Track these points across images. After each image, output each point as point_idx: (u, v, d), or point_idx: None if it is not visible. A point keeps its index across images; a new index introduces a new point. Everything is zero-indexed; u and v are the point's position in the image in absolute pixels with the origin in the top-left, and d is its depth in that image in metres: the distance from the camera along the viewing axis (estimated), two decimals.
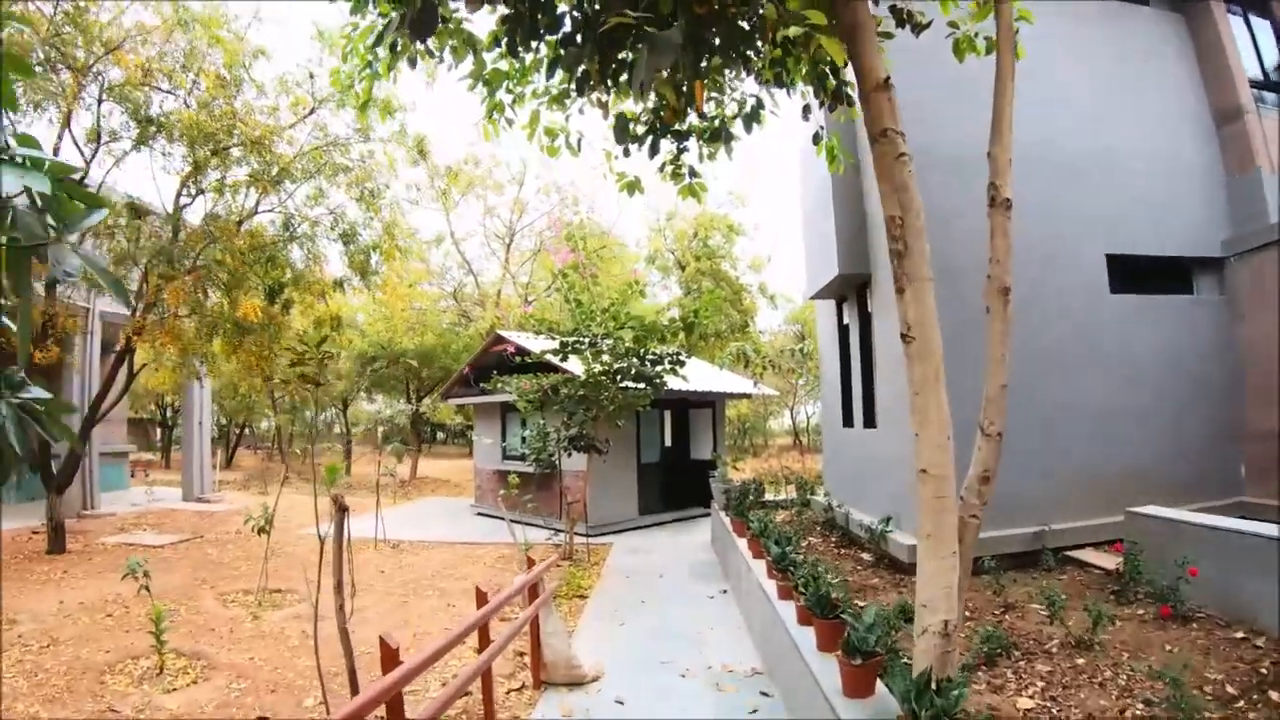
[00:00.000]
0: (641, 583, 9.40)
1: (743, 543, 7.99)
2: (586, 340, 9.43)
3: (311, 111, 12.47)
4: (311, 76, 12.15)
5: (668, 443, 16.22)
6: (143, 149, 11.47)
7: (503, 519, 14.07)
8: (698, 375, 16.39)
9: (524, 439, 11.48)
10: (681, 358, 10.30)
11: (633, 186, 5.83)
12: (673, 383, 13.04)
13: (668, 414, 16.19)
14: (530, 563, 5.47)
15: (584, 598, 8.72)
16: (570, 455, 10.91)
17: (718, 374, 18.11)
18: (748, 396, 17.45)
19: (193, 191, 12.39)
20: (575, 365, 10.38)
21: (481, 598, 3.96)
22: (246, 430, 36.31)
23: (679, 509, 15.01)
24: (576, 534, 11.89)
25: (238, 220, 12.50)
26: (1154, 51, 9.08)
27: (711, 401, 15.91)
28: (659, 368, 10.34)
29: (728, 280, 20.82)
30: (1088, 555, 7.55)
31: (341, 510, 4.47)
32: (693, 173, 5.85)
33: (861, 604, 6.20)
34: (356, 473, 30.37)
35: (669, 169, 5.83)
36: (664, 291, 22.29)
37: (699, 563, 10.47)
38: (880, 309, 8.23)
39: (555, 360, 9.77)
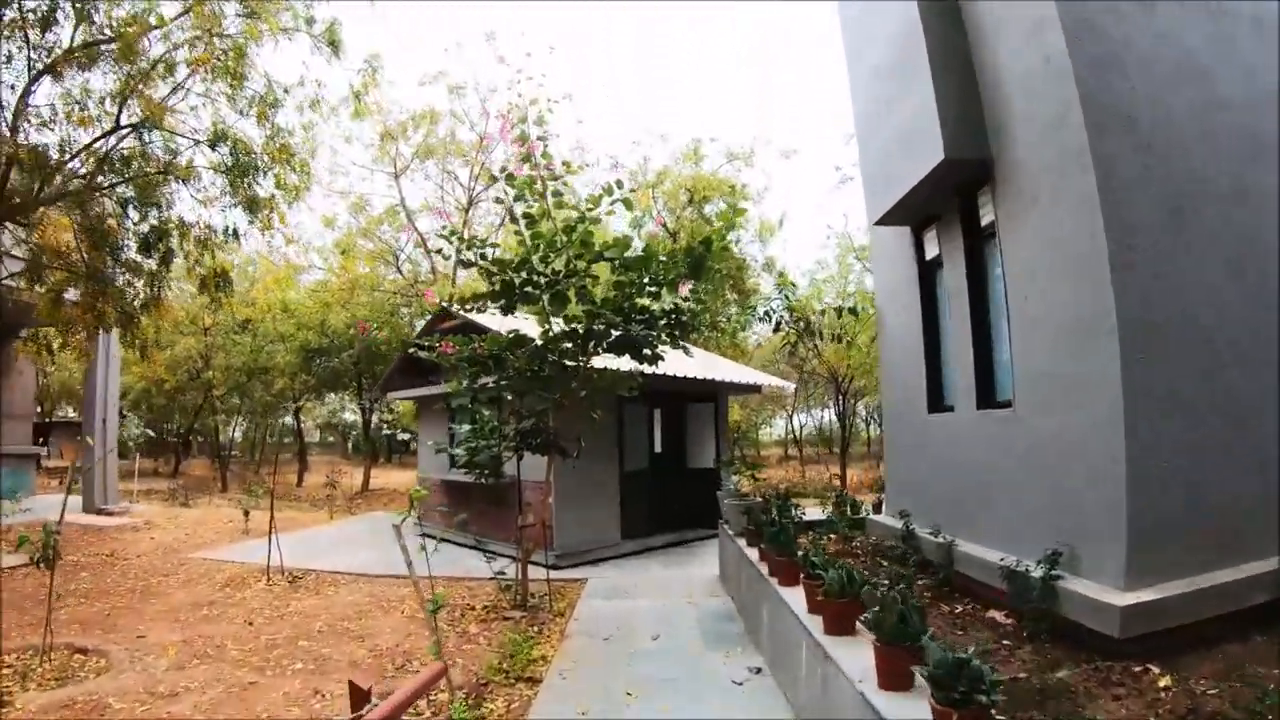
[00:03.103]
0: (625, 652, 6.13)
1: (791, 596, 4.79)
2: (543, 280, 6.18)
3: None
4: None
5: (658, 447, 12.96)
6: None
7: (451, 542, 10.77)
8: (695, 361, 13.21)
9: (471, 432, 8.17)
10: (684, 316, 7.08)
11: None
12: (668, 362, 9.81)
13: (658, 412, 12.96)
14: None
15: (534, 682, 5.45)
16: (521, 458, 7.69)
17: (718, 362, 14.93)
18: (757, 390, 14.26)
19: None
20: (531, 328, 7.17)
21: None
22: (195, 435, 32.48)
23: (673, 530, 11.74)
24: (539, 565, 8.64)
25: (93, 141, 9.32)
26: None
27: (713, 394, 12.69)
28: (652, 333, 7.13)
29: (729, 254, 17.62)
30: None
31: None
32: None
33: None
34: (312, 483, 27.04)
35: None
36: None
37: (710, 614, 7.21)
38: (1014, 213, 5.10)
39: (495, 314, 6.51)
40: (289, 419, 32.51)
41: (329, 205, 19.96)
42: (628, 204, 6.05)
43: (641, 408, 12.03)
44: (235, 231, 10.57)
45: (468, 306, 6.36)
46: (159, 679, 5.99)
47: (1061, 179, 4.61)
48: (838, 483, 21.40)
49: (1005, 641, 4.37)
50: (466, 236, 6.24)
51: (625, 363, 7.69)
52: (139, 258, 10.90)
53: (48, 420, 35.15)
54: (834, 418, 39.36)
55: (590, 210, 6.03)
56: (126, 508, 17.60)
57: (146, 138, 10.19)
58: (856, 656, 3.53)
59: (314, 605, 8.43)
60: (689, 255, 6.33)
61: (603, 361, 7.87)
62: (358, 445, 38.63)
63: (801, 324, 7.84)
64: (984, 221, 5.62)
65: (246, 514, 15.01)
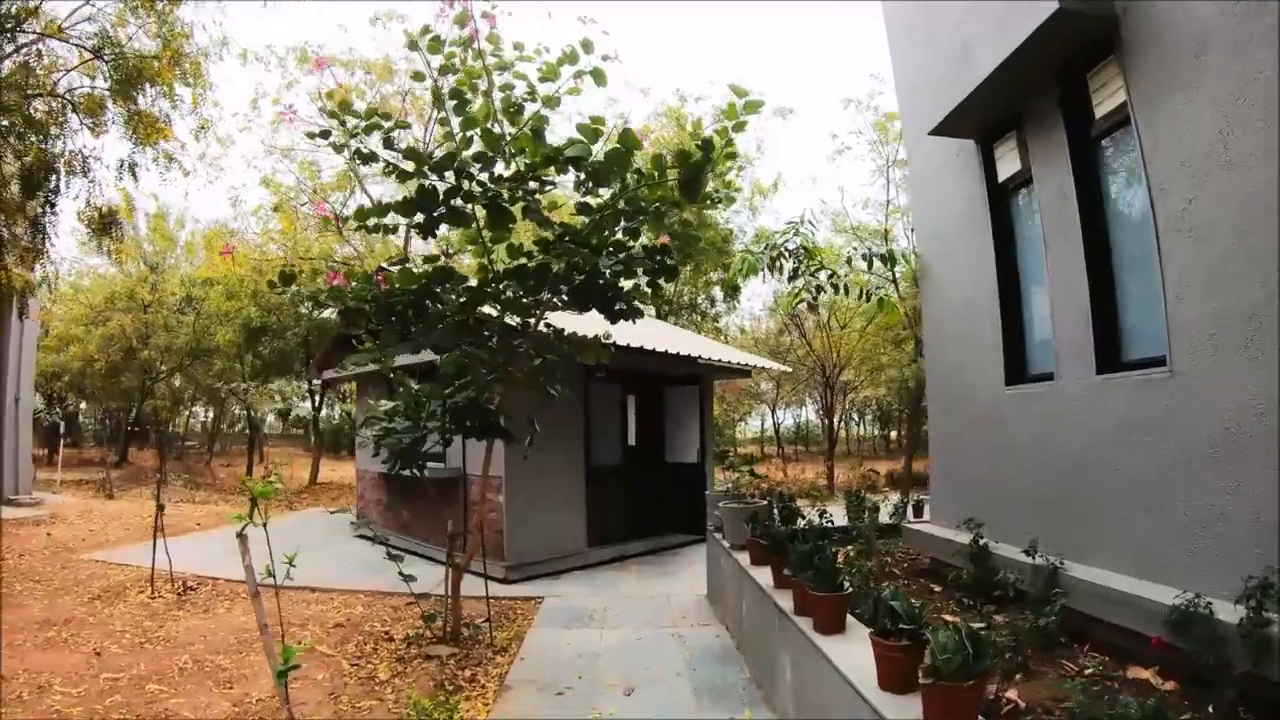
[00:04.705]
0: (587, 714, 4.39)
1: (838, 652, 3.11)
2: (477, 189, 4.41)
3: None
4: None
5: (633, 438, 11.26)
6: None
7: (386, 543, 8.94)
8: (675, 337, 11.52)
9: (389, 410, 6.33)
10: (669, 258, 5.40)
11: None
12: (647, 335, 8.11)
13: (633, 396, 11.25)
14: None
15: None
16: (450, 443, 5.93)
17: (703, 340, 13.26)
18: (747, 373, 12.63)
19: None
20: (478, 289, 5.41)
21: None
22: (154, 423, 29.84)
23: (651, 535, 10.03)
24: (481, 576, 6.88)
25: None
26: None
27: (698, 377, 11.01)
28: (632, 281, 5.46)
29: (712, 225, 15.84)
30: None
31: None
32: None
33: None
34: (262, 475, 24.94)
35: None
36: None
37: (701, 652, 5.49)
38: (1163, 81, 3.47)
39: (404, 230, 4.74)
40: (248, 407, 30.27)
41: (269, 164, 17.97)
42: (598, 76, 4.33)
43: (613, 390, 10.32)
44: (132, 166, 8.93)
45: (371, 225, 4.55)
46: None
47: (1249, 22, 2.99)
48: (824, 482, 19.94)
49: None
50: (364, 109, 4.40)
51: (593, 321, 5.99)
52: (20, 197, 9.19)
53: None
54: (813, 415, 38.01)
55: (544, 79, 4.29)
56: (39, 499, 15.80)
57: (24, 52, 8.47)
58: None
59: (193, 628, 6.60)
60: (682, 164, 4.63)
61: (563, 321, 6.16)
62: (335, 434, 36.44)
63: (826, 273, 6.19)
64: (1100, 112, 3.99)
65: (161, 508, 13.11)
